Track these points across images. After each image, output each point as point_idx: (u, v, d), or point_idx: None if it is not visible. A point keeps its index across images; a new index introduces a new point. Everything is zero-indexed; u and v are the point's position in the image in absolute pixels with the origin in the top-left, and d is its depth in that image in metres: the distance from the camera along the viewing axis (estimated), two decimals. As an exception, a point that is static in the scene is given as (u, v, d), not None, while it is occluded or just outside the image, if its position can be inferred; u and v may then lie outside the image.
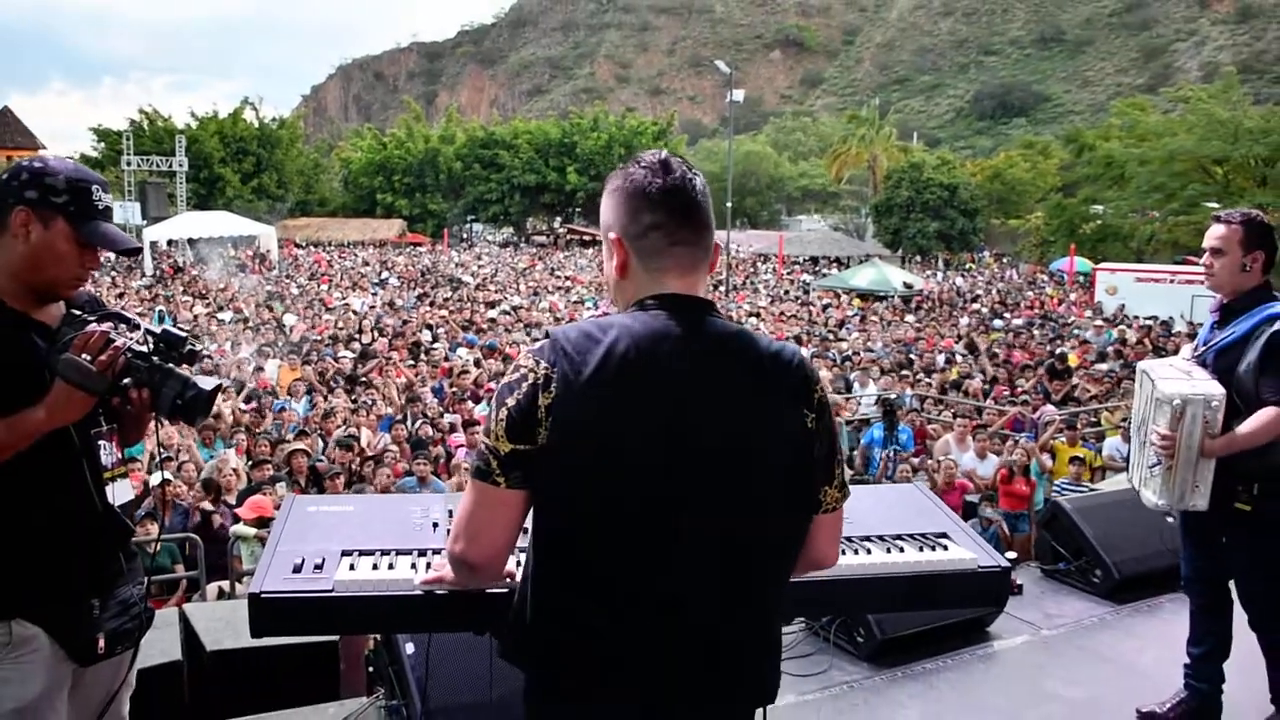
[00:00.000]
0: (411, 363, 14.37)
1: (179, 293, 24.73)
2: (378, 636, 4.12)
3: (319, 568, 2.20)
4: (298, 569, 2.20)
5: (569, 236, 56.53)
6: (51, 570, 2.22)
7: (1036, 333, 19.65)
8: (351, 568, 2.22)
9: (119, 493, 2.40)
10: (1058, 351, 16.53)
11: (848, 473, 1.91)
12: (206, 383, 2.27)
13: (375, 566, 2.22)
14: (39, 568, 2.20)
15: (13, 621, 2.17)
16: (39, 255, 2.20)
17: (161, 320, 18.62)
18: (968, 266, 44.54)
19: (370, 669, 4.09)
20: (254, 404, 11.21)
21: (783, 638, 4.16)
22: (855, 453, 11.39)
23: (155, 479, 7.49)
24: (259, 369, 13.68)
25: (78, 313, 2.31)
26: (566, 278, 32.57)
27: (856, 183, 63.85)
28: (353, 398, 11.53)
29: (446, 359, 14.81)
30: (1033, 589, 5.18)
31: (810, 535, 1.83)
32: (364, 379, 12.73)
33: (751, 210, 71.87)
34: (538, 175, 56.99)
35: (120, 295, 23.65)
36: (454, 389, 12.27)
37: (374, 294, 26.06)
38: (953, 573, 2.40)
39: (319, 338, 17.11)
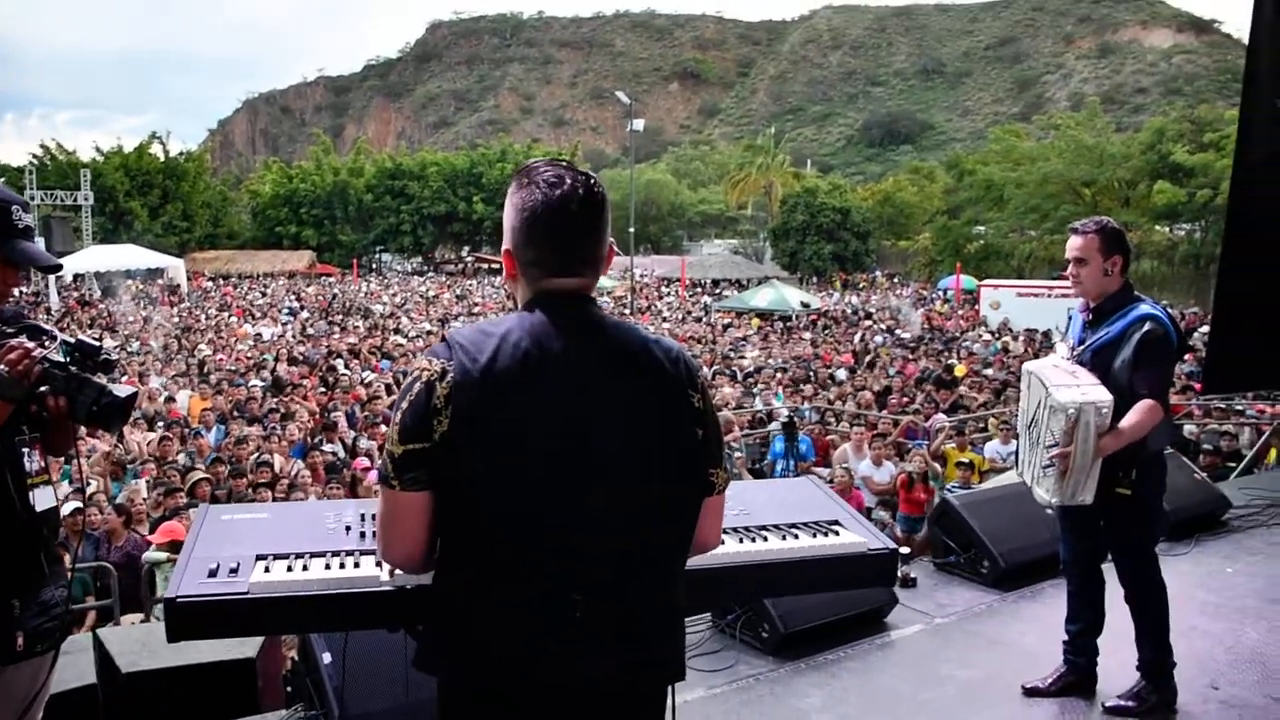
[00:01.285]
0: (323, 389, 14.25)
1: (87, 326, 24.04)
2: (294, 655, 4.15)
3: (234, 571, 2.23)
4: (213, 573, 2.23)
5: (477, 265, 56.46)
6: None
7: (924, 346, 20.39)
8: (266, 570, 2.25)
9: (41, 499, 2.46)
10: (946, 363, 17.20)
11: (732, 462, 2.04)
12: (121, 390, 2.35)
13: (290, 569, 2.26)
14: None
15: None
16: None
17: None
18: (860, 286, 45.80)
19: (289, 688, 4.11)
20: (165, 434, 11.03)
21: (688, 634, 4.33)
22: (762, 465, 11.68)
23: (67, 508, 7.31)
24: (170, 399, 13.47)
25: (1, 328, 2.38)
26: (474, 304, 32.53)
27: (755, 208, 65.11)
28: (265, 426, 11.43)
29: (364, 384, 14.76)
30: (926, 581, 5.45)
31: (700, 517, 1.92)
32: (278, 409, 12.59)
33: (654, 236, 72.68)
34: (447, 205, 57.05)
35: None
36: (366, 414, 12.24)
37: (285, 324, 25.72)
38: (844, 556, 2.55)
39: (231, 367, 16.88)
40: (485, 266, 54.84)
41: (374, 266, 58.17)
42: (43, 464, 2.49)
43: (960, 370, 16.41)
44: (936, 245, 43.98)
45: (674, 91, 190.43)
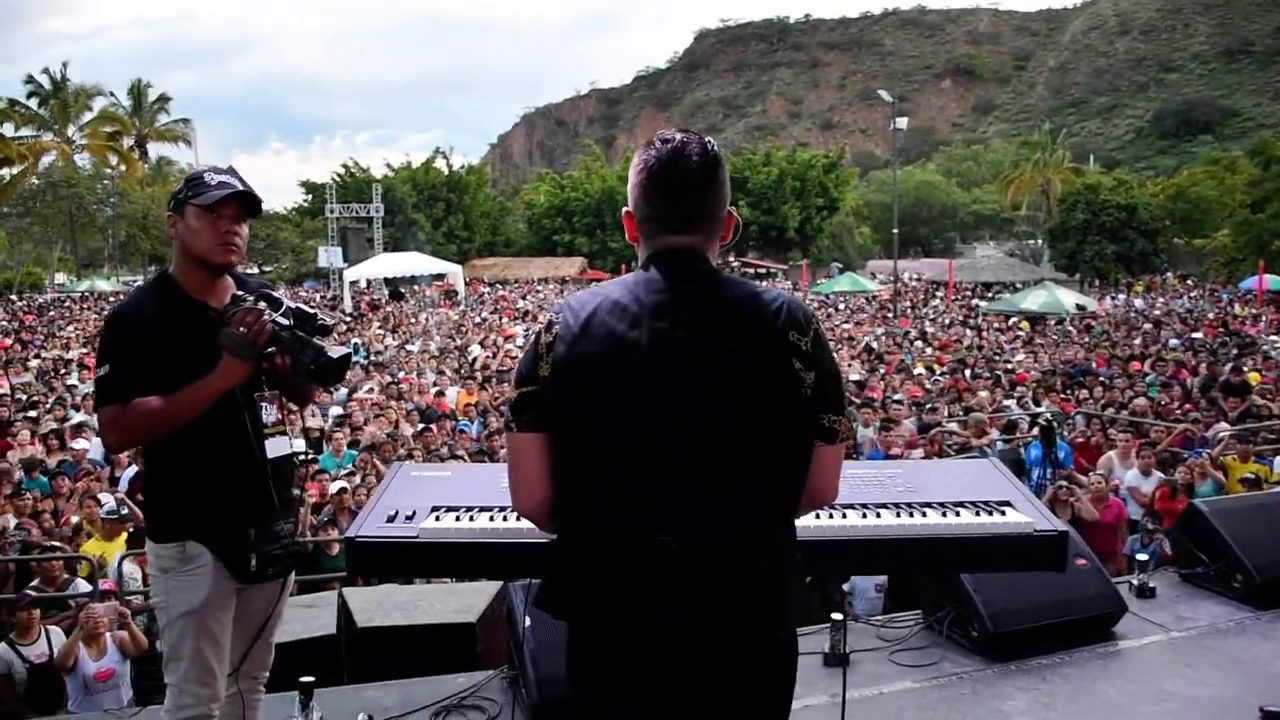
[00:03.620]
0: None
1: (374, 326, 26.38)
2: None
3: (410, 519, 2.49)
4: (391, 519, 2.50)
5: (743, 269, 56.84)
6: (217, 502, 2.70)
7: (1219, 352, 18.62)
8: (437, 519, 2.49)
9: (277, 446, 2.84)
10: (1237, 368, 15.63)
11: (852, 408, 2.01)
12: (335, 351, 2.67)
13: (458, 519, 2.48)
14: (208, 500, 2.70)
15: (186, 542, 2.68)
16: (186, 240, 2.73)
17: (355, 351, 20.29)
18: (1149, 288, 42.32)
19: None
20: (432, 425, 11.96)
21: (895, 629, 4.23)
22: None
23: (334, 487, 8.17)
24: (440, 394, 14.56)
25: (240, 294, 2.76)
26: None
27: (1031, 208, 61.84)
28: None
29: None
30: (1168, 592, 5.00)
31: (812, 466, 1.92)
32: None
33: (924, 239, 70.64)
34: None
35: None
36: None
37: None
38: (1006, 535, 2.45)
39: (496, 365, 18.03)
40: (751, 271, 55.20)
41: (645, 273, 59.64)
42: (279, 416, 2.88)
43: (1254, 378, 14.88)
44: (1236, 243, 39.95)
45: (946, 89, 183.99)
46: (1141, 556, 5.22)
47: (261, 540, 2.74)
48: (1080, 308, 27.55)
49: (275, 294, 2.77)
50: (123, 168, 49.58)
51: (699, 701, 1.88)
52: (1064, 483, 9.32)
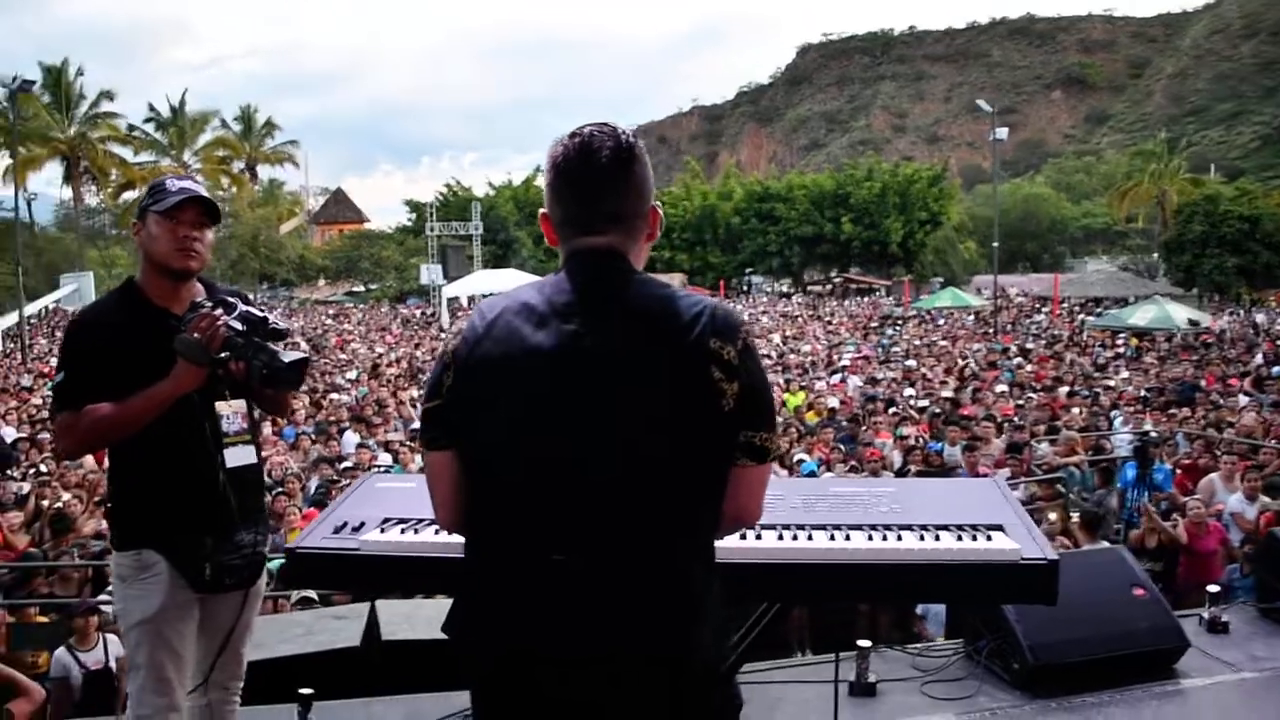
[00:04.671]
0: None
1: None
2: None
3: (356, 530, 2.38)
4: (338, 530, 2.39)
5: (845, 285, 56.09)
6: (174, 510, 2.67)
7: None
8: (382, 532, 2.37)
9: (240, 455, 2.79)
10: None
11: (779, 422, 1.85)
12: (289, 356, 2.59)
13: (403, 532, 2.36)
14: (164, 508, 2.67)
15: (142, 550, 2.66)
16: (147, 247, 2.72)
17: None
18: (1269, 303, 40.16)
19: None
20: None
21: (932, 658, 3.98)
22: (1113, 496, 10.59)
23: None
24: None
25: (199, 300, 2.71)
26: (829, 323, 32.54)
27: (1147, 220, 59.49)
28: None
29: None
30: (1243, 628, 4.61)
31: (733, 485, 1.75)
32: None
33: (1032, 254, 68.63)
34: (814, 226, 56.97)
35: (417, 346, 26.32)
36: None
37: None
38: (987, 564, 2.20)
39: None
40: (854, 287, 54.43)
41: (744, 289, 59.27)
42: (243, 425, 2.83)
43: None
44: (1373, 253, 37.68)
45: (1056, 99, 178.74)
46: (1213, 588, 4.81)
47: (218, 549, 2.70)
48: (1193, 323, 26.29)
49: (232, 299, 2.71)
50: (234, 190, 51.48)
51: None
52: (1150, 506, 8.81)
